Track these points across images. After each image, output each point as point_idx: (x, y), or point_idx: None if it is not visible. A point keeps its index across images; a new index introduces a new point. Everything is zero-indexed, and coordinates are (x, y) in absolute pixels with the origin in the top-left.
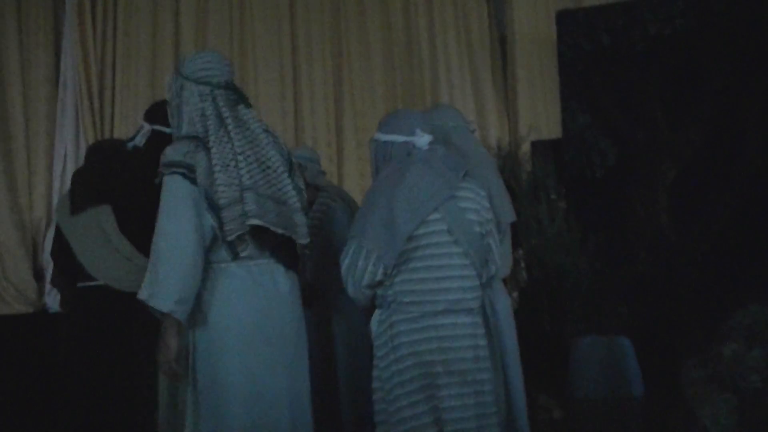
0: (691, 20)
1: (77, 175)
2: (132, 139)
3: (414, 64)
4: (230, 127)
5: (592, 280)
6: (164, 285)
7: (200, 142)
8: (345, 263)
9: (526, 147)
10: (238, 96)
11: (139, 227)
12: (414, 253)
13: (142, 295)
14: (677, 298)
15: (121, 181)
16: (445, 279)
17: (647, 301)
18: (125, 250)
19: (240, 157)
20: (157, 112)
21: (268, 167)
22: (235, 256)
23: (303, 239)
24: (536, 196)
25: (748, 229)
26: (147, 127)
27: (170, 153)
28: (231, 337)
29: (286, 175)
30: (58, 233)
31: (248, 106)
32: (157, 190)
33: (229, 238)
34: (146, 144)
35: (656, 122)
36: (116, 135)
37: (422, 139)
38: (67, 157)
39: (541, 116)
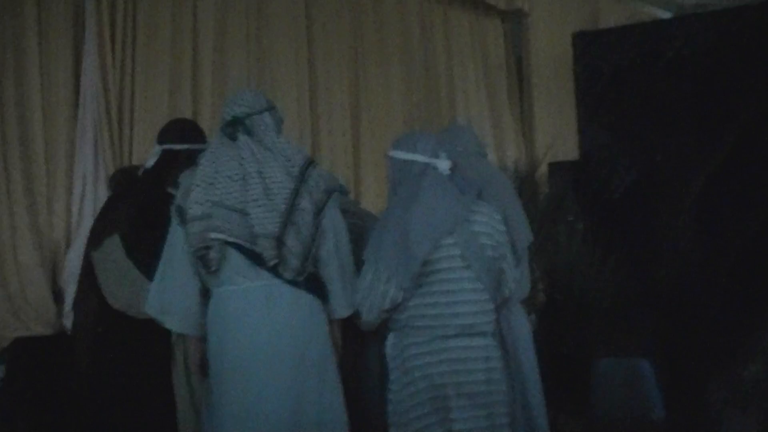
0: (709, 41)
1: (100, 209)
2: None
3: (431, 85)
4: (223, 150)
5: (612, 301)
6: (153, 296)
7: (196, 165)
8: (362, 287)
9: (543, 168)
10: (236, 127)
11: (148, 251)
12: (427, 277)
13: (146, 307)
14: (700, 318)
15: (129, 208)
16: (458, 303)
17: (669, 322)
18: (133, 277)
19: (220, 174)
20: (167, 132)
21: (256, 188)
22: (208, 271)
23: (269, 261)
24: (554, 217)
25: None
26: (158, 147)
27: (180, 177)
28: (223, 362)
29: (283, 194)
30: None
31: (250, 133)
32: (164, 210)
33: (190, 251)
34: (156, 164)
35: (674, 143)
36: (135, 156)
37: (444, 164)
38: (87, 178)
39: (558, 137)
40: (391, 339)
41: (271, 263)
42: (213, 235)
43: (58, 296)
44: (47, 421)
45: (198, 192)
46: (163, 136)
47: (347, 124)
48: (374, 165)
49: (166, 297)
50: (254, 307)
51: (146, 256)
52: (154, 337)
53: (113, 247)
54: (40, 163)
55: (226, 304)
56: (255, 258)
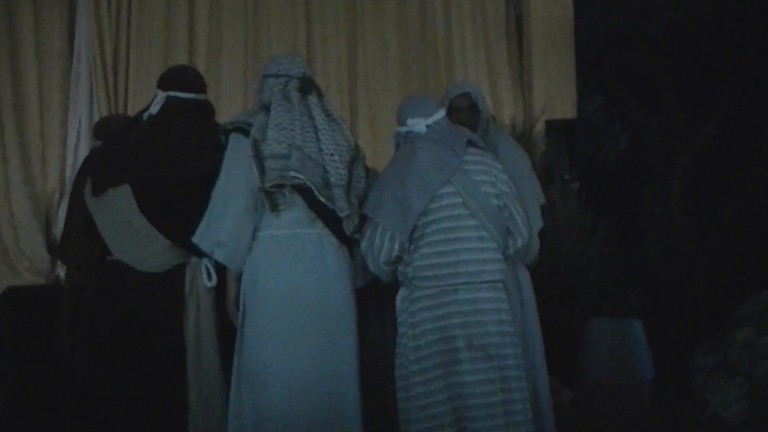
0: (708, 5)
1: (96, 154)
2: (147, 108)
3: (429, 42)
4: (294, 103)
5: (602, 264)
6: (208, 229)
7: (265, 108)
8: (363, 242)
9: (539, 127)
10: (311, 85)
11: (160, 204)
12: (429, 227)
13: (196, 238)
14: (688, 283)
15: (139, 158)
16: (464, 251)
17: (657, 287)
18: (144, 230)
19: (297, 123)
20: (172, 78)
21: (329, 143)
22: (273, 209)
23: (341, 212)
24: (549, 176)
25: (760, 217)
26: (161, 94)
27: (237, 117)
28: (272, 305)
29: (346, 157)
30: (81, 210)
31: (320, 95)
32: (178, 162)
33: (267, 185)
34: (162, 111)
35: (670, 107)
36: (130, 107)
37: (417, 126)
38: (81, 129)
39: (555, 97)
40: (401, 293)
41: (343, 214)
42: (292, 173)
43: (51, 247)
44: (38, 365)
45: (276, 132)
46: (168, 83)
47: (344, 81)
48: (370, 123)
49: (225, 230)
50: (307, 253)
51: (159, 209)
52: (162, 291)
53: (120, 197)
54: (33, 114)
55: (281, 247)
56: (316, 207)
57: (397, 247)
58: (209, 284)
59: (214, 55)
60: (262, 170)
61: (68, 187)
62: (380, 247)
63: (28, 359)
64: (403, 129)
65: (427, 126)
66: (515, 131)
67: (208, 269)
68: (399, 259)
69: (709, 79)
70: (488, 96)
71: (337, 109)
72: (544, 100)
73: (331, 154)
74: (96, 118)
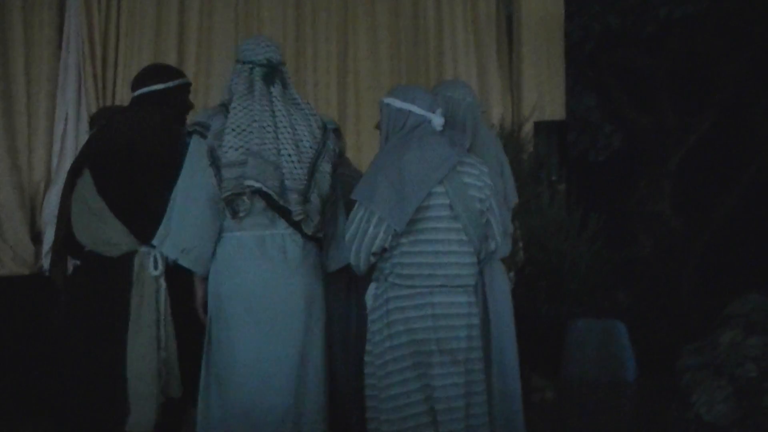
0: (701, 4)
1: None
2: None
3: (420, 40)
4: (256, 97)
5: (590, 263)
6: (171, 235)
7: (224, 107)
8: (351, 229)
9: (528, 127)
10: (275, 74)
11: (117, 187)
12: (415, 225)
13: (156, 241)
14: (676, 284)
15: (100, 144)
16: (444, 254)
17: (645, 287)
18: (98, 209)
19: (255, 124)
20: (138, 78)
21: (288, 143)
22: (234, 216)
23: (295, 216)
24: (537, 176)
25: (750, 218)
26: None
27: (198, 115)
28: (235, 306)
29: (309, 153)
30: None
31: (285, 84)
32: (140, 149)
33: (224, 195)
34: (130, 107)
35: (663, 107)
36: (118, 98)
37: (438, 120)
38: (68, 119)
39: (545, 97)
40: (372, 290)
41: (298, 218)
42: (248, 182)
43: (36, 237)
44: (22, 356)
45: (232, 137)
46: (135, 84)
47: (332, 76)
48: (357, 119)
49: (187, 236)
50: (269, 254)
51: (117, 193)
52: (113, 275)
53: (83, 182)
54: (21, 103)
55: (240, 249)
56: (277, 208)
57: (389, 238)
58: (155, 273)
59: (205, 47)
60: (219, 179)
61: (54, 177)
62: (374, 236)
63: (11, 349)
64: (419, 111)
65: (443, 126)
66: (504, 130)
67: (156, 259)
68: (384, 251)
69: (703, 78)
70: (477, 94)
71: (324, 107)
72: (534, 100)
73: (289, 155)
74: (84, 109)
